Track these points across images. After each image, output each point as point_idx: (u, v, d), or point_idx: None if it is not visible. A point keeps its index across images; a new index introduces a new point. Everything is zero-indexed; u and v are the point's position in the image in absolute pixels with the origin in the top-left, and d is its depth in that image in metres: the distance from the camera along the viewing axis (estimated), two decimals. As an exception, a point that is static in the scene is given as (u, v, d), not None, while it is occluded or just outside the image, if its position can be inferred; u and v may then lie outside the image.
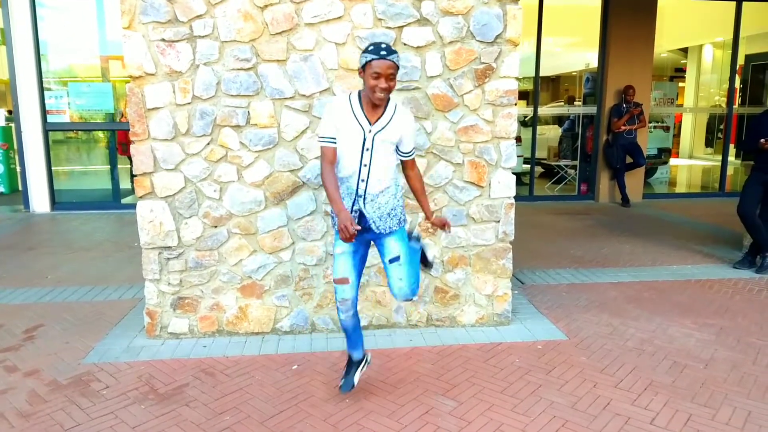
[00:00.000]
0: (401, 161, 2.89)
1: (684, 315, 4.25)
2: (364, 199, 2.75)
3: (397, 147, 2.81)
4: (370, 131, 2.68)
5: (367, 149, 2.69)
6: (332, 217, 2.89)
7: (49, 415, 2.91)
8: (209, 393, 3.14)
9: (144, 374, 3.34)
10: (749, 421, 2.86)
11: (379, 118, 2.70)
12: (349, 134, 2.69)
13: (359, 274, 2.88)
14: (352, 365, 3.05)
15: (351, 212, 2.75)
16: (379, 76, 2.56)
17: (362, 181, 2.73)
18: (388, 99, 2.72)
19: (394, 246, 2.81)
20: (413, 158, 2.90)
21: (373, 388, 3.18)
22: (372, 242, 2.93)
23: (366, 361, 3.07)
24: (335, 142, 2.71)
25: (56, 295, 4.68)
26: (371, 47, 2.59)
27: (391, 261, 2.81)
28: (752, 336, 3.88)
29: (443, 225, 2.89)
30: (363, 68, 2.61)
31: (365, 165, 2.70)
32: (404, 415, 2.92)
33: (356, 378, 3.01)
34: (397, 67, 2.61)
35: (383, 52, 2.55)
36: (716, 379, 3.28)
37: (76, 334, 3.90)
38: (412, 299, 2.93)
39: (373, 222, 2.77)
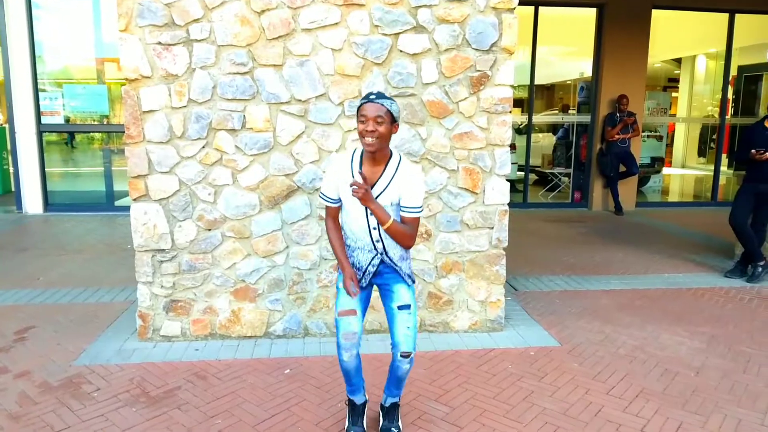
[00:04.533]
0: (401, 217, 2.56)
1: (675, 323, 4.27)
2: (386, 253, 2.59)
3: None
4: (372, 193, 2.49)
5: (371, 212, 2.49)
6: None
7: (39, 417, 2.90)
8: (201, 396, 3.13)
9: (135, 377, 3.33)
10: (739, 429, 2.87)
11: (379, 178, 2.50)
12: (351, 196, 2.52)
13: (364, 311, 2.66)
14: (356, 411, 2.77)
15: (368, 265, 2.60)
16: (366, 120, 2.39)
17: (377, 241, 2.57)
18: (391, 153, 2.53)
19: (405, 294, 2.61)
20: (414, 217, 2.52)
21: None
22: (377, 287, 2.73)
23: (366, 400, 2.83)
24: (335, 203, 2.61)
25: (48, 297, 4.66)
26: (363, 96, 2.47)
27: (401, 307, 2.59)
28: (743, 344, 3.91)
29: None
30: (357, 119, 2.45)
31: (374, 228, 2.55)
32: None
33: (365, 423, 2.77)
34: (390, 113, 2.40)
35: (373, 96, 2.42)
36: (707, 387, 3.30)
37: (68, 336, 3.88)
38: (412, 355, 2.60)
39: (382, 275, 2.62)
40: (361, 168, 2.51)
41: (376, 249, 2.59)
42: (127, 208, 8.29)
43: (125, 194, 8.53)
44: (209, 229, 3.74)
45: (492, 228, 3.94)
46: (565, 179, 9.86)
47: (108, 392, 3.15)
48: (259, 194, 3.74)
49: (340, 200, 2.60)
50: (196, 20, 3.53)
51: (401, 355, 2.57)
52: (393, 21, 3.64)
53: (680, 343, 3.90)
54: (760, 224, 5.36)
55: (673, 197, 10.78)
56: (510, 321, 4.24)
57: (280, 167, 3.72)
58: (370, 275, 2.62)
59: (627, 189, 8.96)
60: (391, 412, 2.80)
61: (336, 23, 3.61)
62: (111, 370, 3.41)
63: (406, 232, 2.51)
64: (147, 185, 3.66)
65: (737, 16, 9.13)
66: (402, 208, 2.53)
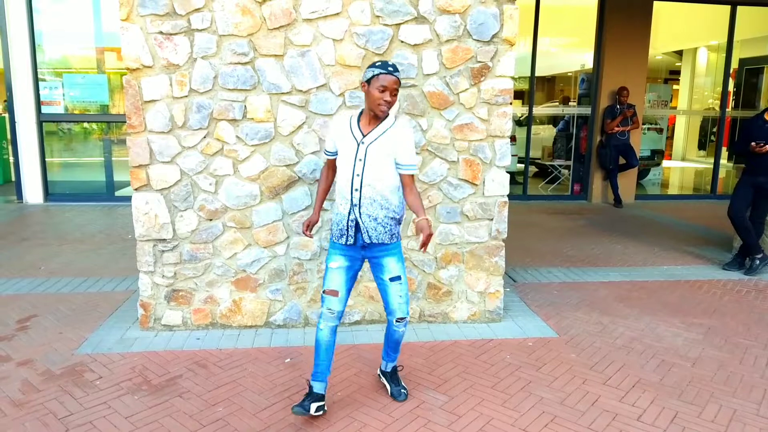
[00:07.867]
0: (399, 175, 2.82)
1: (673, 314, 4.30)
2: (359, 208, 2.78)
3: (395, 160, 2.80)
4: (362, 142, 2.76)
5: (360, 159, 2.76)
6: (332, 224, 2.92)
7: (42, 405, 2.93)
8: (202, 385, 3.16)
9: (137, 365, 3.36)
10: (734, 419, 2.91)
11: (373, 129, 2.78)
12: (344, 146, 2.82)
13: (349, 290, 2.89)
14: (310, 394, 2.83)
15: (348, 221, 2.81)
16: (385, 90, 2.68)
17: (356, 190, 2.78)
18: (387, 114, 2.81)
19: (394, 266, 2.86)
20: (410, 175, 2.80)
21: (365, 382, 3.22)
22: (367, 260, 2.93)
23: (323, 408, 2.84)
24: (334, 155, 2.97)
25: (49, 286, 4.69)
26: (379, 63, 2.72)
27: (392, 279, 2.85)
28: (739, 336, 3.94)
29: (421, 232, 2.69)
30: (368, 82, 2.71)
31: (358, 175, 2.77)
32: (395, 408, 2.95)
33: (312, 408, 2.78)
34: (399, 85, 2.74)
35: (390, 68, 2.70)
36: (703, 378, 3.34)
37: (70, 325, 3.91)
38: (406, 319, 2.91)
39: (366, 231, 2.79)
40: (359, 124, 2.80)
41: (352, 201, 2.80)
42: (127, 199, 8.29)
43: (125, 184, 8.53)
44: (210, 219, 3.75)
45: (491, 219, 3.96)
46: (565, 171, 9.86)
47: (110, 380, 3.18)
48: (259, 184, 3.75)
49: (337, 153, 2.91)
50: (197, 10, 3.53)
51: (397, 320, 2.90)
52: (394, 11, 3.64)
53: (677, 335, 3.93)
54: (759, 217, 5.38)
55: (672, 190, 10.79)
56: (509, 312, 4.27)
57: (281, 158, 3.73)
58: (352, 230, 2.82)
59: (627, 181, 8.97)
60: (394, 376, 3.12)
61: (337, 13, 3.61)
62: (113, 359, 3.44)
63: (417, 196, 2.82)
64: (148, 175, 3.67)
65: (739, 8, 9.09)
66: (399, 167, 2.79)
